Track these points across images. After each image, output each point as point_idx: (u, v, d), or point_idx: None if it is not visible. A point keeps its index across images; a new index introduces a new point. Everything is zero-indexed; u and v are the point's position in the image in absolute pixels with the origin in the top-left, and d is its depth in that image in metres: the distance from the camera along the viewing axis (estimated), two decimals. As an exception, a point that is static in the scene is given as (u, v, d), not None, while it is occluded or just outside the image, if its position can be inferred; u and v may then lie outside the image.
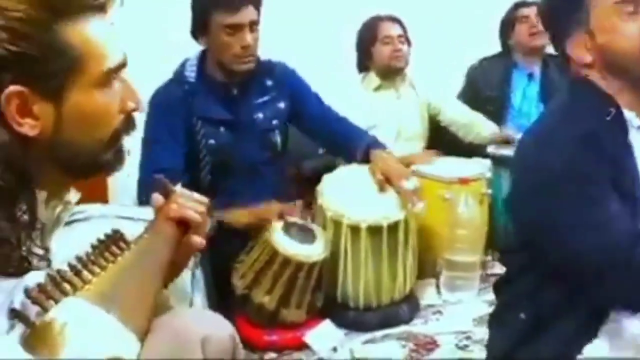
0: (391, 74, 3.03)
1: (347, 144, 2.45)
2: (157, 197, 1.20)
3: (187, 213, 1.18)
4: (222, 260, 2.19)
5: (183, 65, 2.33)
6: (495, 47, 3.27)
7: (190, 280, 1.95)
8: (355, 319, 2.29)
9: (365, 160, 2.38)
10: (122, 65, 1.05)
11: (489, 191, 2.56)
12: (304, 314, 2.20)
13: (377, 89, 3.04)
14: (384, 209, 2.25)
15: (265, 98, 2.39)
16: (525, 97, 3.18)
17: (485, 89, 3.18)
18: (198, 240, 1.19)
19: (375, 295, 2.29)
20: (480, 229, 2.48)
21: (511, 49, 3.19)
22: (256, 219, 2.21)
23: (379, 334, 2.27)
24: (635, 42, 1.38)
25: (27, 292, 1.00)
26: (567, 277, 1.49)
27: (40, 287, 1.01)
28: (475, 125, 3.08)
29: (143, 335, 1.11)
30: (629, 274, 1.41)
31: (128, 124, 1.10)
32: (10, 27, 0.94)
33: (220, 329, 1.27)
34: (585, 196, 1.44)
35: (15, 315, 1.02)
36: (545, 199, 1.49)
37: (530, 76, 3.16)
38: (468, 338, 2.22)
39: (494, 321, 1.90)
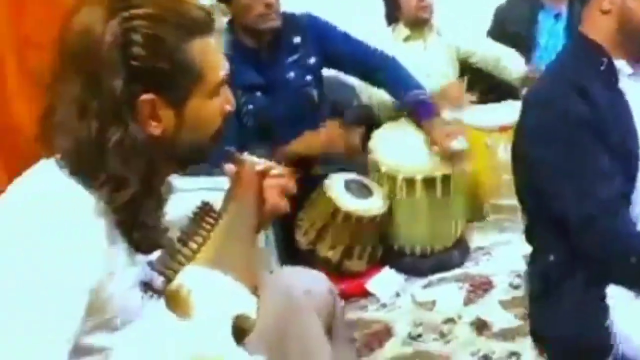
0: (418, 24, 3.08)
1: (392, 90, 2.56)
2: (230, 168, 1.30)
3: (280, 206, 1.29)
4: (283, 219, 2.32)
5: None
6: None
7: (265, 240, 2.09)
8: (413, 265, 2.43)
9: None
10: (229, 74, 1.18)
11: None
12: (365, 264, 2.34)
13: (406, 39, 3.10)
14: (437, 160, 2.35)
15: (295, 57, 2.44)
16: (552, 35, 3.24)
17: (512, 28, 3.23)
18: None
19: (429, 242, 2.43)
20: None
21: (539, -11, 3.23)
22: (327, 148, 2.33)
23: (435, 278, 2.41)
24: None
25: (152, 265, 1.13)
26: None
27: (161, 259, 1.14)
28: (505, 60, 3.12)
29: (254, 292, 1.24)
30: (605, 240, 1.56)
31: (225, 123, 1.23)
32: (147, 45, 1.06)
33: (320, 283, 1.44)
34: (578, 144, 1.60)
35: (146, 286, 1.15)
36: (543, 142, 1.66)
37: (557, 16, 3.21)
38: (520, 276, 2.35)
39: (530, 263, 2.06)
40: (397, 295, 2.33)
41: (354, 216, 2.25)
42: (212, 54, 1.14)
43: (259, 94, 2.39)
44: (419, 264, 2.43)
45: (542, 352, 1.93)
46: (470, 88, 3.16)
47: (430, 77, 3.03)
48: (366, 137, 2.68)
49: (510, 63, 3.09)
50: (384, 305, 2.29)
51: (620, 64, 1.66)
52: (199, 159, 1.24)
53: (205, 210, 1.27)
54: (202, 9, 1.14)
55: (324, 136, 2.32)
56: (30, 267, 1.00)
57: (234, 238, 1.27)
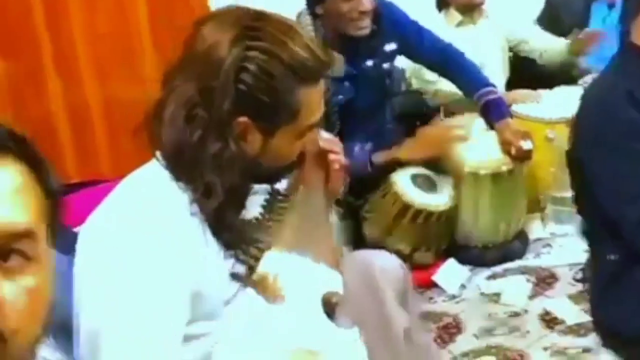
0: (470, 9, 3.07)
1: (462, 86, 2.56)
2: None
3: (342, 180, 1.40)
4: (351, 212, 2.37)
5: None
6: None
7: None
8: (477, 256, 2.48)
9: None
10: (321, 120, 1.25)
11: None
12: (432, 256, 2.38)
13: (459, 25, 3.09)
14: (502, 154, 2.38)
15: (375, 44, 2.43)
16: (606, 26, 3.23)
17: (565, 17, 3.23)
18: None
19: (493, 234, 2.46)
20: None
21: (593, -22, 3.22)
22: (433, 151, 2.35)
23: (498, 269, 2.45)
24: None
25: (236, 256, 1.20)
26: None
27: (242, 249, 1.22)
28: (552, 51, 3.12)
29: (336, 267, 1.35)
30: None
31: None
32: (257, 76, 1.13)
33: (392, 261, 1.55)
34: (628, 149, 1.67)
35: (235, 277, 1.22)
36: (594, 151, 1.74)
37: (611, 6, 3.20)
38: (582, 270, 2.38)
39: (591, 261, 2.10)
40: (463, 287, 2.37)
41: (424, 211, 2.28)
42: (314, 101, 1.21)
43: (347, 84, 2.37)
44: (483, 255, 2.47)
45: (609, 347, 1.98)
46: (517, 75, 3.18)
47: (484, 69, 3.04)
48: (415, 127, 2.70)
49: (558, 50, 3.09)
50: (451, 297, 2.33)
51: None
52: (271, 181, 1.32)
53: (274, 195, 1.34)
54: (321, 59, 1.19)
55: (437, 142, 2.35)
56: (138, 267, 1.08)
57: (307, 217, 1.37)
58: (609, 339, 1.99)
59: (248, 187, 1.28)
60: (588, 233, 2.17)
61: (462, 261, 2.45)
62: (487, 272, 2.44)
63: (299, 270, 1.28)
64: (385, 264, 1.50)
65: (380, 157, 2.33)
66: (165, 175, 1.17)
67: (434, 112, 2.85)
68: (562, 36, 3.13)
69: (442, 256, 2.43)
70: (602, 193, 1.76)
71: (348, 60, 2.36)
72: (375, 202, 2.37)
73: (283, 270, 1.25)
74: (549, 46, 3.10)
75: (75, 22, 2.24)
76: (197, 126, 1.14)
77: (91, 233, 1.15)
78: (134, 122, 2.46)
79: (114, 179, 2.18)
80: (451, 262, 2.42)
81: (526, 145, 2.32)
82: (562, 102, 2.79)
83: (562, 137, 2.59)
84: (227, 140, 1.15)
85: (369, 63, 2.42)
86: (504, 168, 2.35)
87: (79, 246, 1.16)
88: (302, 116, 1.20)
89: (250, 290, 1.23)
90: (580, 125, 1.92)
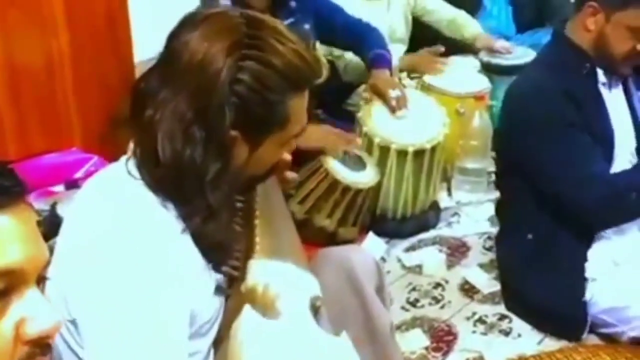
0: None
1: (360, 51, 2.61)
2: None
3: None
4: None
5: None
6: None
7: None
8: (394, 228, 2.56)
9: None
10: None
11: (493, 102, 2.82)
12: (357, 231, 2.43)
13: (370, -3, 3.10)
14: (427, 132, 2.45)
15: (291, 20, 2.39)
16: (496, 2, 3.41)
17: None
18: (293, 175, 1.41)
19: (411, 206, 2.56)
20: (489, 137, 2.76)
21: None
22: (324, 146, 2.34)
23: (414, 240, 2.56)
24: (623, 52, 1.87)
25: (217, 268, 1.20)
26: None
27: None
28: (459, 22, 3.24)
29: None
30: (602, 209, 1.87)
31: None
32: (251, 88, 1.10)
33: (366, 257, 1.59)
34: (567, 139, 1.87)
35: (218, 290, 1.23)
36: (534, 141, 1.92)
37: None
38: (490, 239, 2.55)
39: (503, 241, 2.28)
40: (383, 260, 2.45)
41: (353, 188, 2.31)
42: (302, 108, 1.19)
43: None
44: (400, 227, 2.57)
45: (519, 316, 2.17)
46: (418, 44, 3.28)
47: (389, 40, 3.09)
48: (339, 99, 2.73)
49: (464, 23, 3.22)
50: (375, 271, 2.40)
51: (599, 72, 1.91)
52: (249, 189, 1.32)
53: (248, 204, 1.35)
54: (312, 65, 1.17)
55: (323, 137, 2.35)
56: (142, 294, 1.04)
57: (271, 218, 1.38)
58: (521, 310, 2.18)
59: (235, 202, 1.26)
60: (504, 212, 2.33)
61: (380, 233, 2.53)
62: (405, 243, 2.54)
63: (285, 278, 1.27)
64: (363, 261, 1.52)
65: None
66: (144, 190, 1.11)
67: (348, 86, 2.86)
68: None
69: (364, 231, 2.50)
70: (551, 180, 1.90)
71: None
72: (302, 178, 2.37)
73: (270, 278, 1.23)
74: (453, 16, 3.21)
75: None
76: (197, 147, 1.09)
77: (80, 262, 1.08)
78: (41, 93, 2.26)
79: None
80: (371, 235, 2.49)
81: (394, 92, 2.44)
82: (466, 75, 2.93)
83: (470, 111, 2.73)
84: (225, 159, 1.12)
85: None
86: (428, 146, 2.43)
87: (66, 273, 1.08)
88: (291, 124, 1.18)
89: (248, 308, 1.20)
90: (517, 117, 2.02)
